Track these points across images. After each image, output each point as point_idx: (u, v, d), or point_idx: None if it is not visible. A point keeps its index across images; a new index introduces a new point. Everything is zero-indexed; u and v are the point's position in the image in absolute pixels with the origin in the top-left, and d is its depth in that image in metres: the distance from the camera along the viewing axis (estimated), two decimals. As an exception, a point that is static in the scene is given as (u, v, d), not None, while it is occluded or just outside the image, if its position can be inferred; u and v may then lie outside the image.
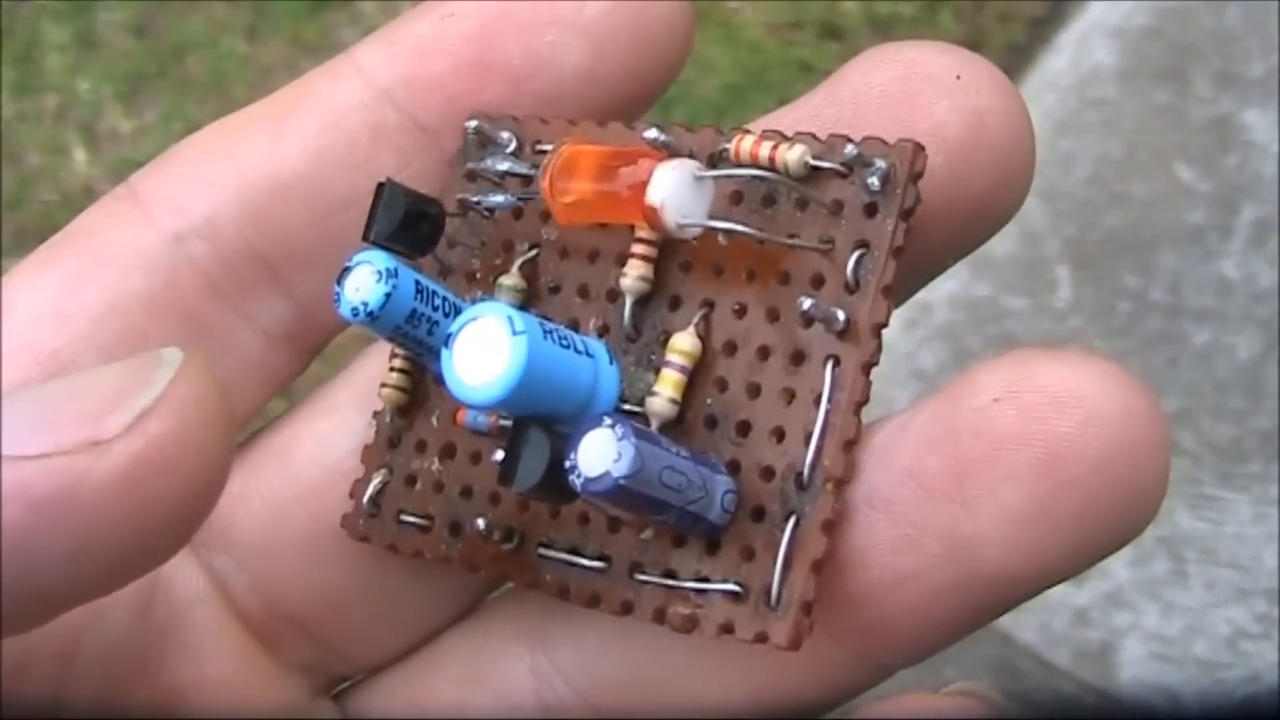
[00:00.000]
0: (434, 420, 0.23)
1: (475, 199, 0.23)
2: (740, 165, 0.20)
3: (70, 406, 0.17)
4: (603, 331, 0.22)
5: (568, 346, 0.21)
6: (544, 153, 0.22)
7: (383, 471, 0.23)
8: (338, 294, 0.21)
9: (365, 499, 0.23)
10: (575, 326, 0.22)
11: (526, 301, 0.22)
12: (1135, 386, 0.19)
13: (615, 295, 0.22)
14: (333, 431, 0.24)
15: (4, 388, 0.22)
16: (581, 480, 0.19)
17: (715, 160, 0.21)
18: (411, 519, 0.23)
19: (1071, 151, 0.65)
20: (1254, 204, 0.64)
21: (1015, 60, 0.66)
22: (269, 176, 0.23)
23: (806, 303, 0.20)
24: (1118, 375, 0.19)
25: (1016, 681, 0.61)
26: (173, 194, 0.23)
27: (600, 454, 0.19)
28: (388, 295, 0.21)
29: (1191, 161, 0.65)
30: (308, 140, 0.23)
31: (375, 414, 0.23)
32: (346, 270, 0.21)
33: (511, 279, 0.23)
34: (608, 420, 0.20)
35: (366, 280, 0.21)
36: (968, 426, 0.19)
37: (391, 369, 0.23)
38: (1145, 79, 0.65)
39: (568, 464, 0.20)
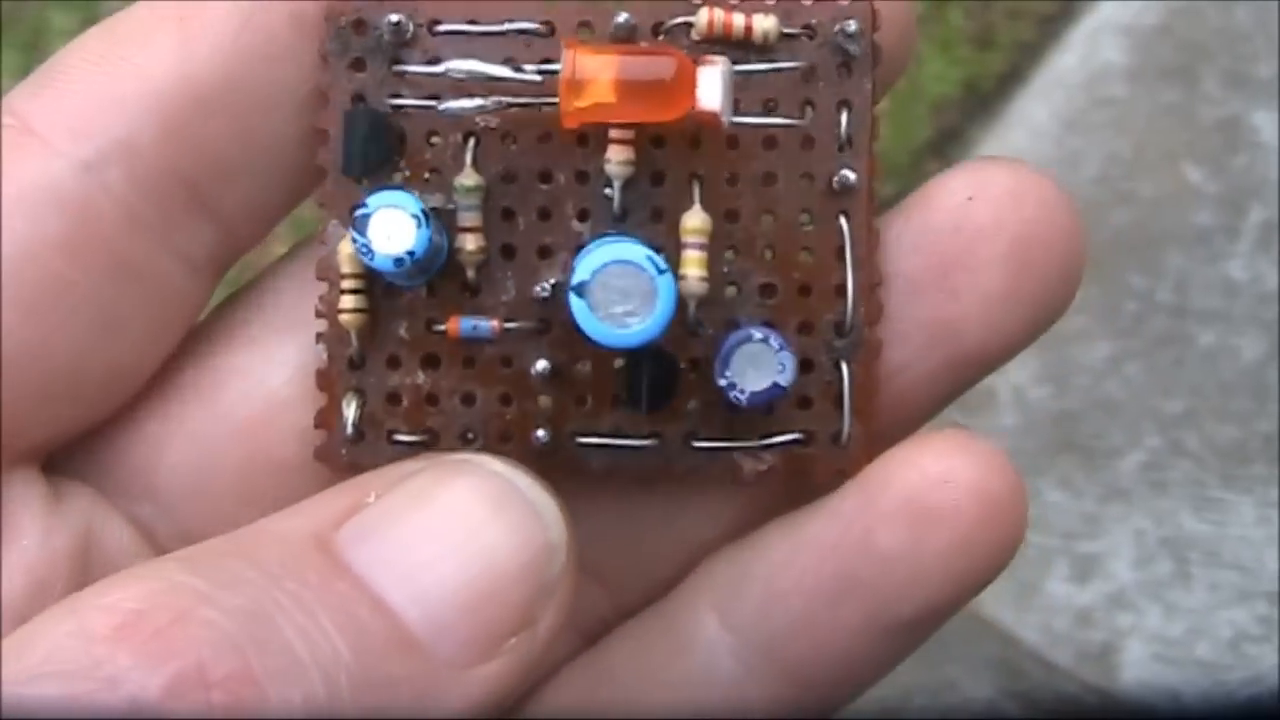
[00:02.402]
0: (403, 332, 0.22)
1: (439, 106, 0.22)
2: (714, 37, 0.21)
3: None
4: (584, 215, 0.22)
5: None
6: (446, 33, 0.22)
7: (353, 395, 0.22)
8: (364, 245, 0.20)
9: (348, 425, 0.22)
10: (546, 214, 0.22)
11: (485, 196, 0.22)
12: (1058, 187, 0.22)
13: (584, 177, 0.22)
14: (261, 364, 0.23)
15: None
16: (747, 395, 0.21)
17: (668, 29, 0.22)
18: (407, 437, 0.22)
19: (1080, 150, 0.65)
20: (1262, 205, 0.64)
21: (1024, 58, 0.66)
22: (185, 85, 0.21)
23: (826, 169, 0.22)
24: (1044, 176, 0.22)
25: (1018, 681, 0.61)
26: (73, 116, 0.21)
27: (762, 368, 0.21)
28: (430, 237, 0.21)
29: (1200, 162, 0.64)
30: (224, 41, 0.21)
31: (320, 336, 0.22)
32: (365, 217, 0.20)
33: (470, 178, 0.22)
34: (757, 334, 0.21)
35: (404, 227, 0.20)
36: (946, 224, 0.22)
37: (345, 291, 0.22)
38: (1154, 78, 0.65)
39: (723, 382, 0.21)
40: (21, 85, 0.21)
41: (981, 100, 0.66)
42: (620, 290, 0.20)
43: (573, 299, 0.20)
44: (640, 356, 0.21)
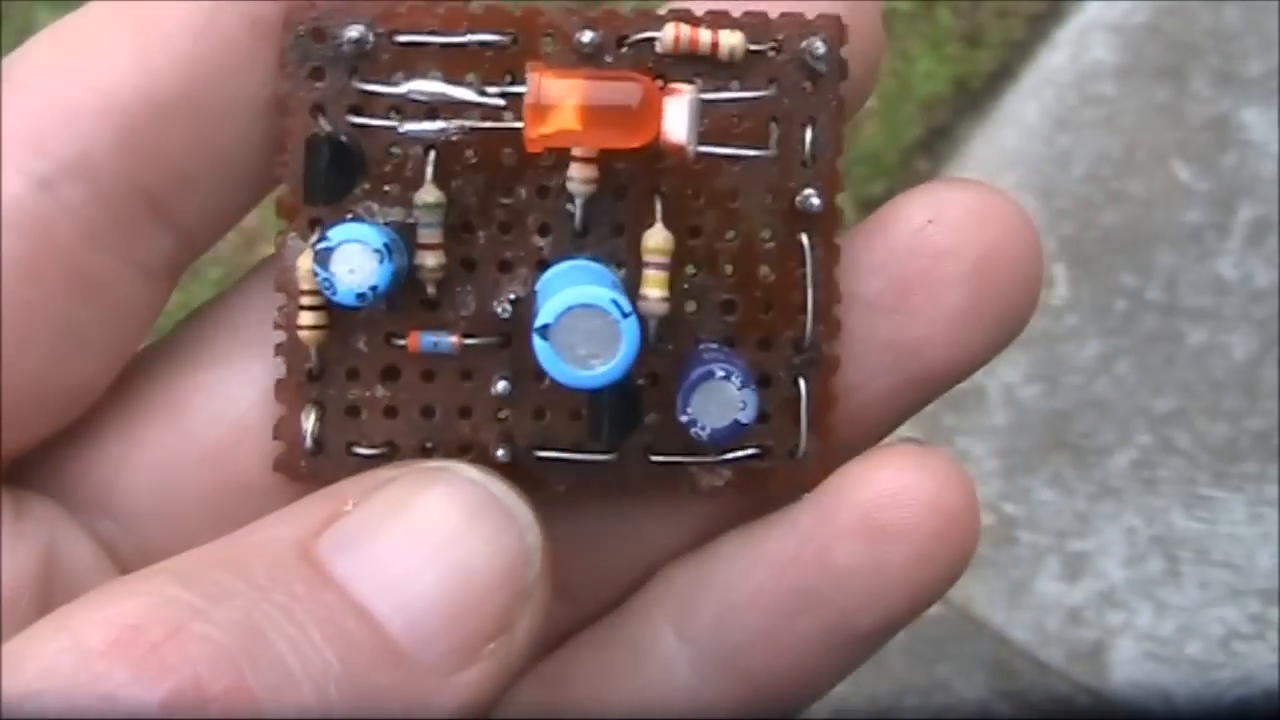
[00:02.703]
0: (362, 346, 0.22)
1: (401, 127, 0.21)
2: (679, 53, 0.21)
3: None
4: (544, 230, 0.22)
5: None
6: (407, 45, 0.21)
7: (312, 406, 0.22)
8: (327, 279, 0.20)
9: (307, 437, 0.22)
10: (507, 228, 0.22)
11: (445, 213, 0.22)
12: (1017, 207, 0.23)
13: (546, 191, 0.22)
14: (227, 384, 0.22)
15: None
16: (708, 431, 0.21)
17: (633, 43, 0.22)
18: (367, 450, 0.22)
19: (1069, 148, 0.65)
20: (1252, 203, 0.64)
21: (1014, 56, 0.66)
22: (143, 97, 0.20)
23: (789, 186, 0.22)
24: (1005, 196, 0.23)
25: (1010, 681, 0.61)
26: (29, 131, 0.20)
27: (723, 405, 0.21)
28: (394, 271, 0.20)
29: (1189, 160, 0.65)
30: (182, 50, 0.20)
31: (278, 348, 0.22)
32: (327, 250, 0.20)
33: (431, 195, 0.21)
34: (719, 371, 0.21)
35: (366, 262, 0.20)
36: (905, 247, 0.22)
37: (303, 307, 0.22)
38: (1144, 76, 0.65)
39: (684, 419, 0.21)
40: None
41: (971, 98, 0.66)
42: (584, 333, 0.20)
43: (537, 341, 0.20)
44: (602, 394, 0.21)
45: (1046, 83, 0.66)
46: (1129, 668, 0.61)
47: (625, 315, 0.20)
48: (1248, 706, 0.60)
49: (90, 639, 0.17)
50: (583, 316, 0.20)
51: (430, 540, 0.19)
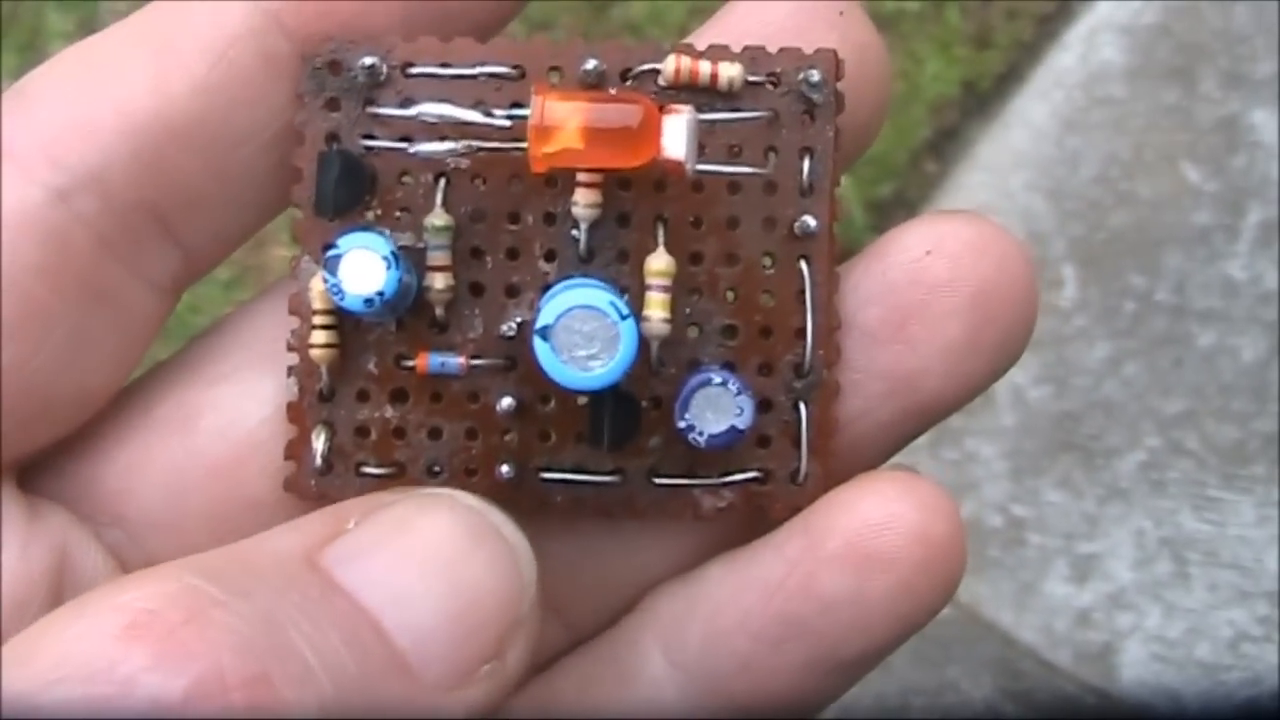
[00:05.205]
0: (372, 367, 0.23)
1: (411, 148, 0.22)
2: (680, 84, 0.22)
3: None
4: (550, 256, 0.22)
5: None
6: (420, 75, 0.22)
7: (323, 427, 0.23)
8: (334, 285, 0.21)
9: (318, 457, 0.23)
10: (514, 254, 0.22)
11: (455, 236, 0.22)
12: (1013, 239, 0.23)
13: (551, 218, 0.22)
14: (239, 400, 0.23)
15: None
16: (705, 438, 0.22)
17: (636, 75, 0.22)
18: (375, 469, 0.23)
19: (1079, 150, 0.65)
20: (1261, 205, 0.64)
21: (1023, 57, 0.66)
22: (159, 119, 0.21)
23: (788, 214, 0.22)
24: (1001, 229, 0.23)
25: (1018, 682, 0.61)
26: (50, 143, 0.21)
27: (720, 411, 0.22)
28: (400, 279, 0.21)
29: (1199, 162, 0.64)
30: (197, 77, 0.21)
31: (291, 369, 0.23)
32: (336, 258, 0.21)
33: (440, 218, 0.22)
34: (716, 378, 0.22)
35: (373, 268, 0.21)
36: (903, 278, 0.22)
37: (316, 327, 0.22)
38: (1153, 78, 0.65)
39: (682, 424, 0.21)
40: None
41: (980, 100, 0.66)
42: (584, 334, 0.20)
43: (537, 342, 0.21)
44: (602, 397, 0.22)
45: (1055, 84, 0.65)
46: (1137, 669, 0.61)
47: (624, 317, 0.21)
48: (1256, 708, 0.60)
49: (106, 624, 0.17)
50: (582, 318, 0.20)
51: (433, 560, 0.20)
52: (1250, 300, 0.63)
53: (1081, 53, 0.66)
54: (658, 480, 0.23)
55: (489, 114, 0.22)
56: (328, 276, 0.21)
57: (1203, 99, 0.65)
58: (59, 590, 0.22)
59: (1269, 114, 0.65)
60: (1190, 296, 0.63)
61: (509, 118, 0.22)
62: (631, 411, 0.22)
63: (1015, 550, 0.62)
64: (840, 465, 0.23)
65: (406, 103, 0.22)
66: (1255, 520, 0.62)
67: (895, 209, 0.64)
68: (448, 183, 0.22)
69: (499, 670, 0.20)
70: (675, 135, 0.21)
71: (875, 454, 0.23)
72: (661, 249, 0.22)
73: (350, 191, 0.22)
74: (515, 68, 0.22)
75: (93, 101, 0.21)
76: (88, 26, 0.72)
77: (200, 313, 0.57)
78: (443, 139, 0.22)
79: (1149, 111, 0.65)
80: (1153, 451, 0.63)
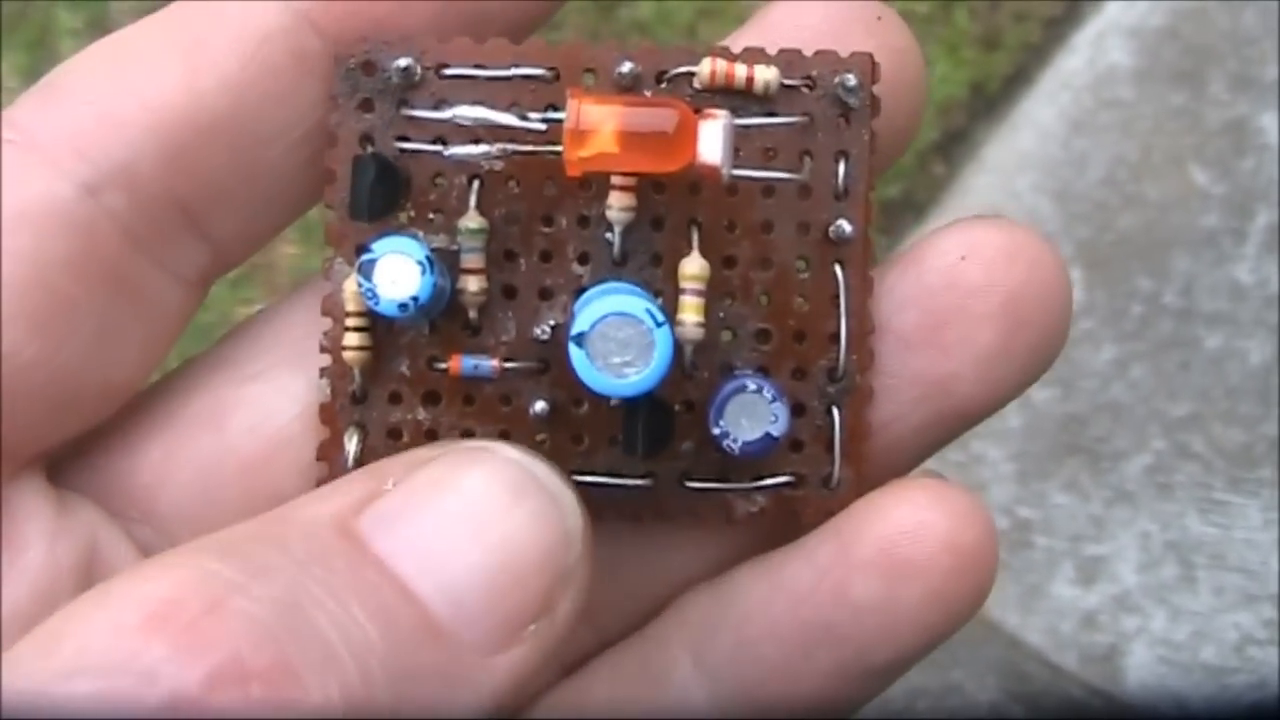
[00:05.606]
0: (404, 369, 0.23)
1: (446, 151, 0.22)
2: (715, 87, 0.22)
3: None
4: (584, 259, 0.22)
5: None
6: (453, 76, 0.22)
7: (355, 429, 0.23)
8: (369, 289, 0.21)
9: (350, 458, 0.23)
10: (548, 257, 0.22)
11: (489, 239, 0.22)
12: (1048, 245, 0.23)
13: (585, 221, 0.22)
14: (270, 398, 0.23)
15: None
16: (740, 445, 0.21)
17: (671, 78, 0.22)
18: None
19: (1086, 152, 0.64)
20: (1268, 208, 0.64)
21: (1030, 60, 0.66)
22: (188, 115, 0.21)
23: (823, 218, 0.22)
24: (1035, 235, 0.23)
25: (1023, 684, 0.61)
26: (78, 136, 0.21)
27: (755, 419, 0.21)
28: (435, 283, 0.21)
29: (1206, 164, 0.64)
30: (228, 74, 0.21)
31: (323, 371, 0.23)
32: (370, 262, 0.21)
33: (474, 220, 0.22)
34: (751, 385, 0.22)
35: (408, 273, 0.21)
36: (938, 283, 0.23)
37: (349, 328, 0.22)
38: (1161, 80, 0.65)
39: (716, 431, 0.21)
40: (25, 96, 0.22)
41: (988, 102, 0.66)
42: (619, 341, 0.20)
43: (572, 349, 0.21)
44: (637, 404, 0.22)
45: (1063, 86, 0.65)
46: (1143, 672, 0.61)
47: (659, 324, 0.20)
48: (1262, 711, 0.60)
49: (126, 615, 0.17)
50: (617, 325, 0.20)
51: (472, 519, 0.20)
52: (1258, 303, 0.63)
53: (1089, 55, 0.66)
54: (690, 484, 0.23)
55: (524, 117, 0.22)
56: (362, 281, 0.21)
57: (1211, 102, 0.65)
58: (88, 584, 0.22)
59: (1277, 117, 0.65)
60: (1197, 299, 0.63)
61: (544, 121, 0.22)
62: (665, 417, 0.22)
63: (1021, 552, 0.62)
64: (872, 470, 0.23)
65: (441, 104, 0.22)
66: (1262, 524, 0.62)
67: (902, 211, 0.64)
68: (481, 185, 0.22)
69: (548, 627, 0.20)
70: (711, 140, 0.21)
71: (907, 459, 0.23)
72: (695, 253, 0.22)
73: (386, 196, 0.22)
74: (550, 69, 0.22)
75: (122, 96, 0.21)
76: (97, 24, 0.72)
77: (207, 309, 0.57)
78: (477, 141, 0.22)
79: (1157, 114, 0.65)
80: (1159, 454, 0.62)
